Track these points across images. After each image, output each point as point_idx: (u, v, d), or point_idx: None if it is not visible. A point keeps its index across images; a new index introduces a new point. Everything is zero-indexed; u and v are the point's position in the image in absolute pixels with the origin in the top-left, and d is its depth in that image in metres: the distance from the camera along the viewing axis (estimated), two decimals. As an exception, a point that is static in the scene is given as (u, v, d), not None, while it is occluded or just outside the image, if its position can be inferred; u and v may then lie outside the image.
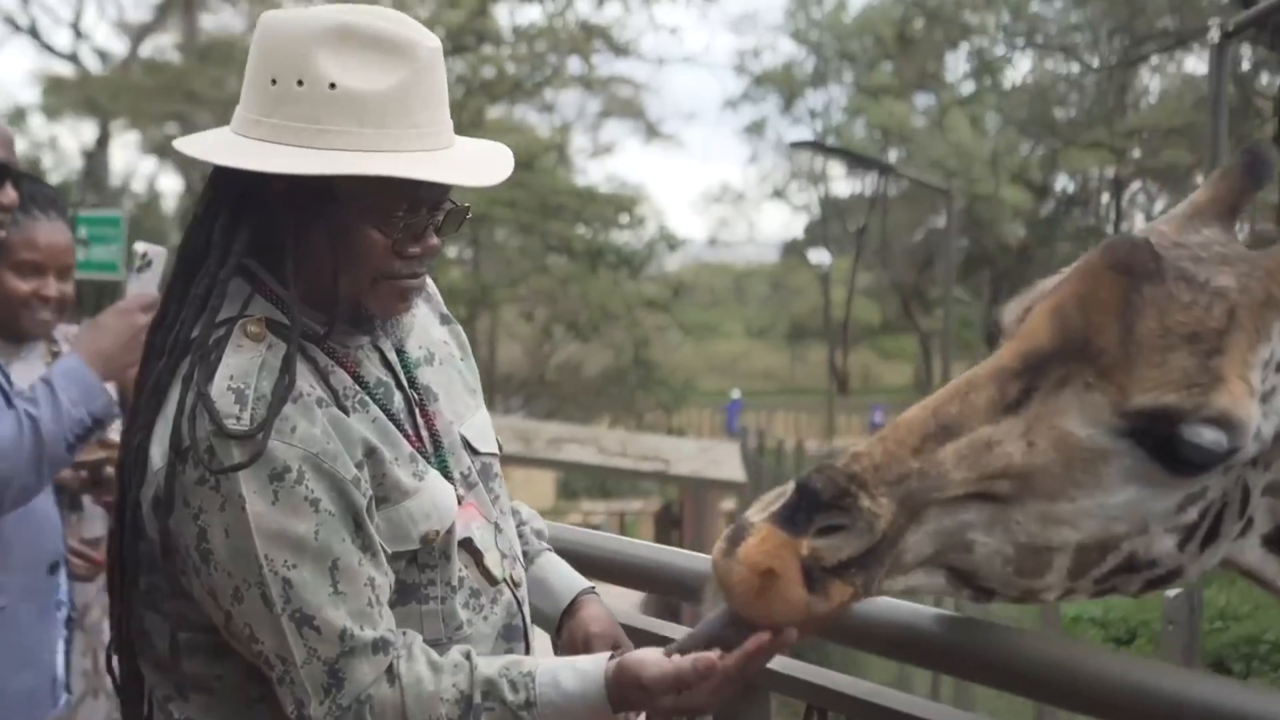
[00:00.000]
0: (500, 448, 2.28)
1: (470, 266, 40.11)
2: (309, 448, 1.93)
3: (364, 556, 1.96)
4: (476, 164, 2.08)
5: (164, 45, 34.67)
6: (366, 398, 2.05)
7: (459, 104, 36.23)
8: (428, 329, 2.25)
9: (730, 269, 63.58)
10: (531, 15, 35.09)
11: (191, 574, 1.96)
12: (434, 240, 2.06)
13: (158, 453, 1.96)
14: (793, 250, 58.09)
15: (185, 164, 35.50)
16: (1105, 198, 47.84)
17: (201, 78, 33.19)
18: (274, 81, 1.95)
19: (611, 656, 1.99)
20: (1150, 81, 43.83)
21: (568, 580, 2.39)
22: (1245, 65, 28.40)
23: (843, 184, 54.47)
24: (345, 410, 2.01)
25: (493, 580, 2.14)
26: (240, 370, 1.96)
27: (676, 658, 1.91)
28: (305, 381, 1.98)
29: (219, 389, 1.93)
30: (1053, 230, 48.90)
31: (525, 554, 2.35)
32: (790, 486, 1.71)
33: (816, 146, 34.70)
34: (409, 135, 1.96)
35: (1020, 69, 52.08)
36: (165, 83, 33.41)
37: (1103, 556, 1.75)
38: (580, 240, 38.25)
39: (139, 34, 38.33)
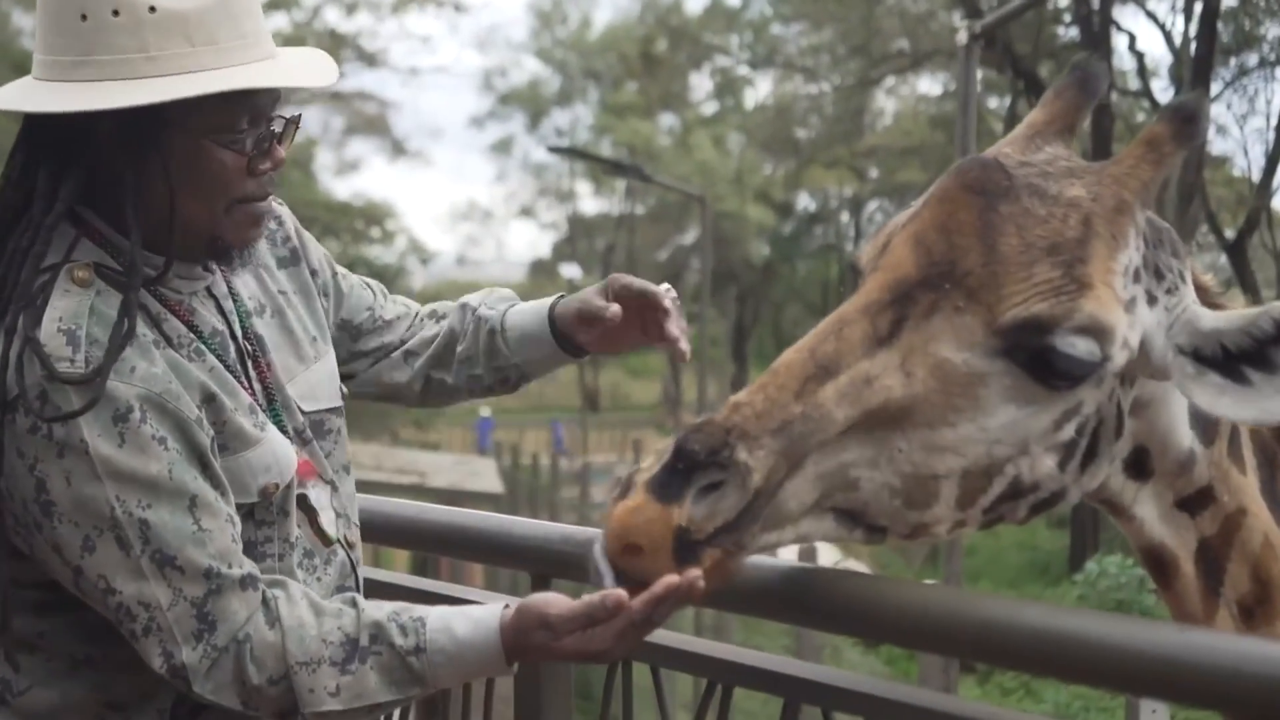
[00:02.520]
0: (344, 395, 2.21)
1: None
2: (150, 387, 1.84)
3: (218, 495, 1.88)
4: (308, 67, 2.02)
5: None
6: (202, 346, 1.96)
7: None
8: (262, 278, 2.15)
9: (478, 287, 63.12)
10: (278, 23, 34.47)
11: (31, 529, 1.84)
12: (281, 153, 1.97)
13: None
14: (540, 269, 58.19)
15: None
16: (845, 216, 49.02)
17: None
18: (84, 17, 1.83)
19: (506, 606, 1.94)
20: (887, 103, 45.13)
21: (536, 311, 2.36)
22: (977, 87, 29.40)
23: (590, 202, 54.95)
24: (185, 358, 1.93)
25: (326, 540, 2.07)
26: (69, 312, 1.85)
27: (585, 596, 1.87)
28: (139, 325, 1.88)
29: (48, 332, 1.82)
30: (795, 248, 49.92)
31: (489, 327, 2.34)
32: (671, 443, 1.65)
33: (573, 152, 34.87)
34: (238, 47, 1.88)
35: (762, 89, 53.18)
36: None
37: (989, 482, 1.74)
38: (331, 253, 37.81)
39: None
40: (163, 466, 1.83)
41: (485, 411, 41.54)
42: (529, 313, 2.34)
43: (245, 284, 2.11)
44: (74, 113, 1.84)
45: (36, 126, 1.91)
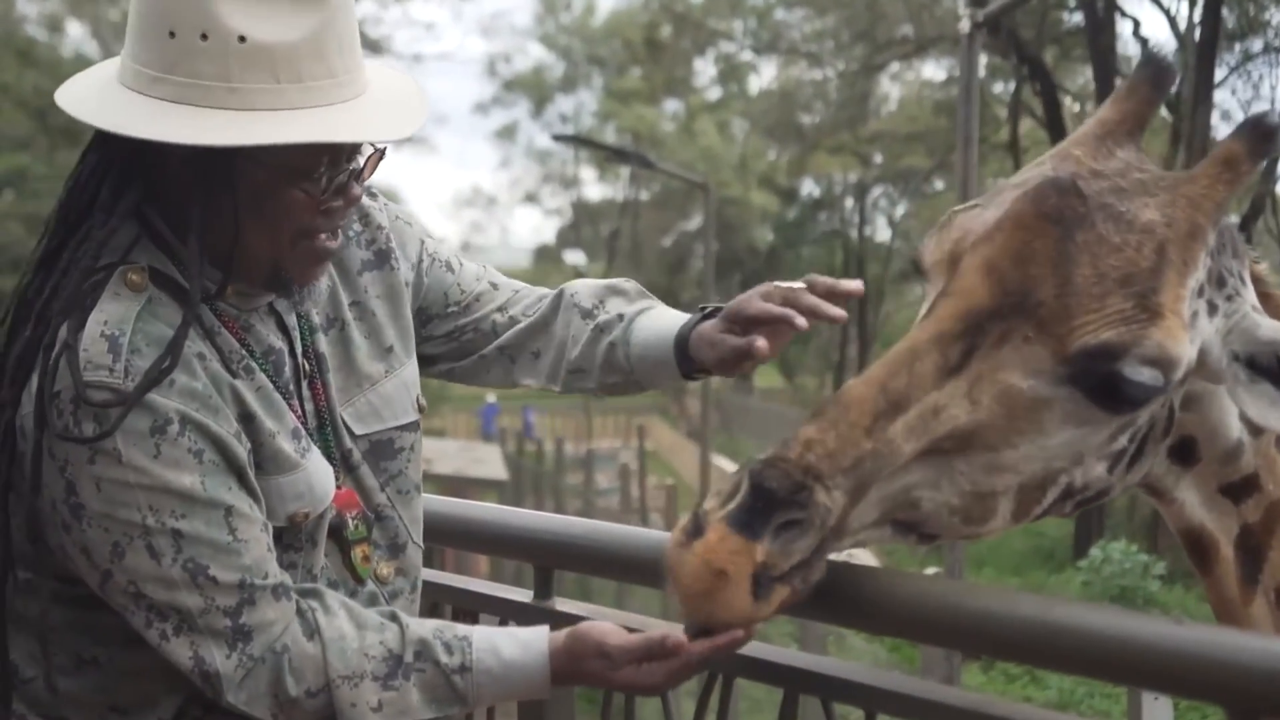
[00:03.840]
0: (421, 408, 2.16)
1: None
2: (189, 403, 1.81)
3: (253, 504, 1.86)
4: (397, 109, 1.96)
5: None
6: (252, 364, 1.93)
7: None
8: (335, 287, 2.10)
9: (482, 273, 63.44)
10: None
11: (59, 530, 1.83)
12: (356, 191, 1.95)
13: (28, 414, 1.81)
14: (545, 255, 58.24)
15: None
16: (849, 202, 48.95)
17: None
18: (172, 34, 1.78)
19: (551, 629, 1.93)
20: (891, 88, 45.05)
21: (663, 332, 2.23)
22: (981, 73, 29.36)
23: (594, 188, 54.95)
24: (232, 374, 1.90)
25: (357, 577, 2.05)
26: (116, 317, 1.82)
27: (644, 631, 1.88)
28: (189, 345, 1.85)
29: (91, 335, 1.80)
30: (799, 233, 49.86)
31: (610, 340, 2.23)
32: (744, 481, 1.65)
33: (577, 140, 34.81)
34: (326, 87, 1.83)
35: (766, 75, 53.09)
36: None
37: (1043, 493, 1.78)
38: (334, 240, 37.83)
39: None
40: (197, 479, 1.81)
41: (491, 397, 41.56)
42: (657, 331, 2.22)
43: (316, 295, 2.08)
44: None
45: (112, 134, 1.85)
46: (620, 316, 2.25)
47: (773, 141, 47.75)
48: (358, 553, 2.04)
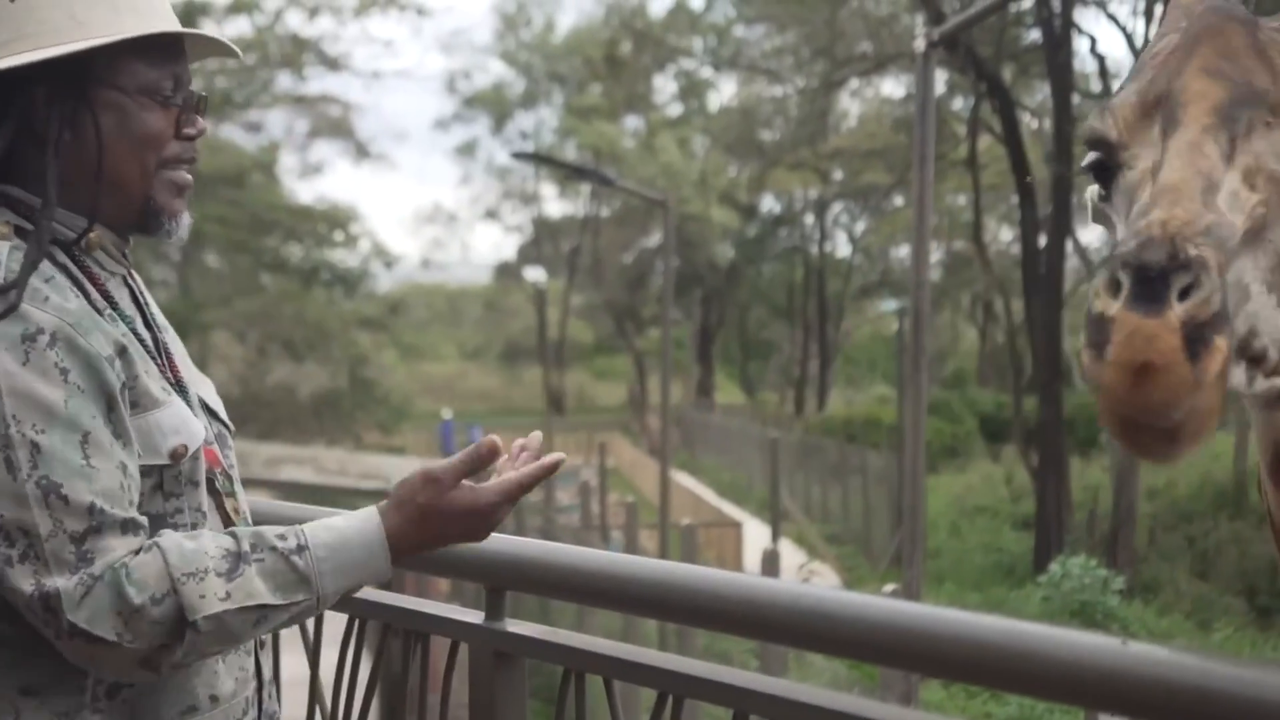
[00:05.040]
0: (231, 430, 2.19)
1: (177, 287, 39.18)
2: (63, 317, 1.85)
3: (115, 441, 1.86)
4: (224, 41, 2.15)
5: None
6: (116, 316, 1.97)
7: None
8: (153, 306, 2.15)
9: (443, 290, 63.42)
10: (240, 27, 34.38)
11: None
12: (203, 123, 2.07)
13: None
14: (506, 271, 58.21)
15: None
16: (810, 218, 49.12)
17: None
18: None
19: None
20: (851, 105, 45.26)
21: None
22: (940, 89, 29.55)
23: (555, 205, 54.98)
24: (100, 315, 1.93)
25: (229, 525, 2.05)
26: None
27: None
28: (58, 274, 1.91)
29: None
30: (760, 250, 49.99)
31: None
32: (1122, 274, 1.60)
33: (537, 158, 34.83)
34: (161, 17, 2.01)
35: (726, 91, 53.31)
36: None
37: None
38: (294, 258, 37.71)
39: None
40: (60, 395, 1.82)
41: (447, 414, 41.51)
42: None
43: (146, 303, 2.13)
44: (6, 78, 1.91)
45: None
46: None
47: (733, 158, 47.92)
48: (229, 504, 2.06)
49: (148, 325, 2.06)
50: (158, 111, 1.99)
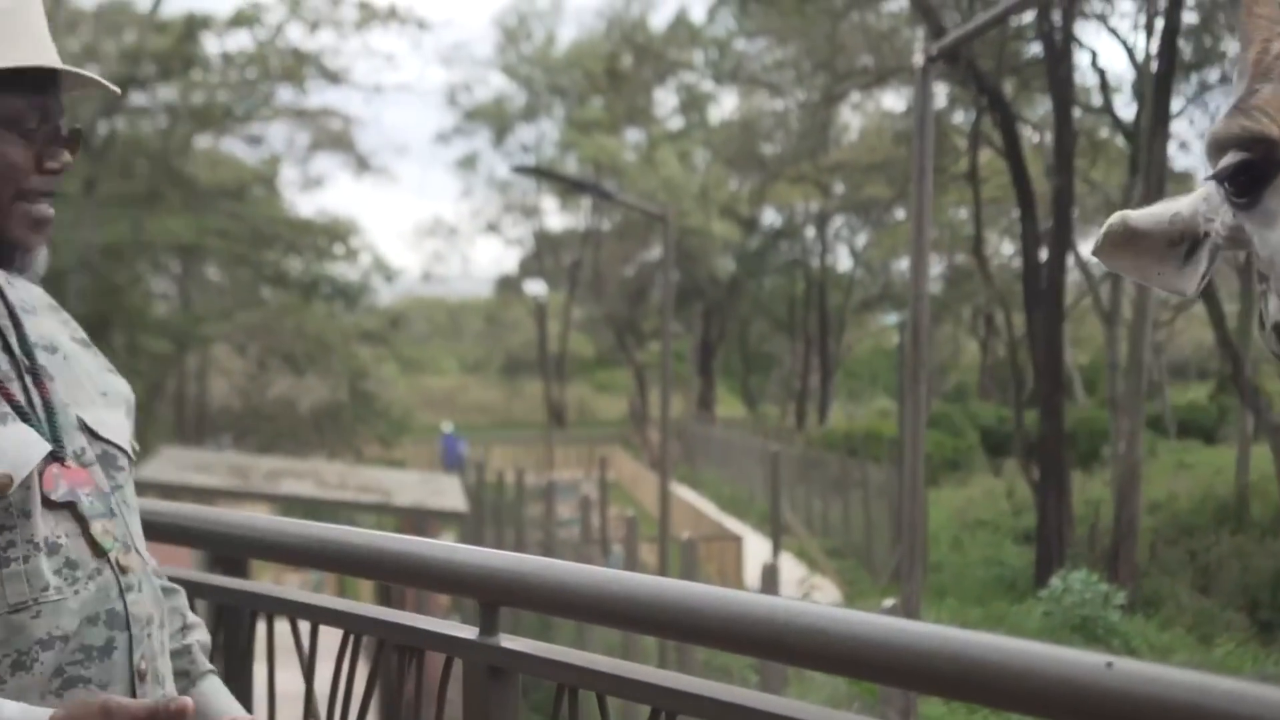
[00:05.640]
0: (134, 454, 2.13)
1: (178, 300, 39.20)
2: None
3: None
4: (95, 75, 2.09)
5: None
6: None
7: (166, 133, 35.54)
8: (57, 331, 2.13)
9: (444, 303, 63.48)
10: (241, 41, 34.38)
11: None
12: (68, 157, 2.02)
13: None
14: (506, 285, 58.25)
15: None
16: (811, 231, 49.15)
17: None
18: None
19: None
20: (851, 118, 45.32)
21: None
22: (941, 102, 29.57)
23: (556, 218, 55.02)
24: None
25: (98, 550, 1.97)
26: None
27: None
28: None
29: None
30: (761, 263, 50.02)
31: (188, 672, 2.21)
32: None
33: (537, 172, 34.86)
34: (28, 45, 1.97)
35: (726, 105, 53.38)
36: None
37: None
38: (294, 271, 37.72)
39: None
40: None
41: (448, 428, 41.50)
42: None
43: (36, 325, 2.10)
44: None
45: None
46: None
47: (734, 171, 47.97)
48: (98, 526, 1.97)
49: (7, 349, 2.02)
50: (18, 144, 1.96)
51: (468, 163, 54.67)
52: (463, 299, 63.58)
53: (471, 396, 59.39)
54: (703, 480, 36.72)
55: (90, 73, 2.07)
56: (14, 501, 1.89)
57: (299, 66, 35.15)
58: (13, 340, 2.02)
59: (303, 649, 2.77)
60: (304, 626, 2.72)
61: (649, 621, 2.19)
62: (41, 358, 2.04)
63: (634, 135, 51.77)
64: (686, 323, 51.38)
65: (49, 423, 1.98)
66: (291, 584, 17.52)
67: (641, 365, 51.22)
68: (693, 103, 51.60)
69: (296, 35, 34.92)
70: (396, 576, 2.58)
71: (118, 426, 2.10)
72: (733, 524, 27.87)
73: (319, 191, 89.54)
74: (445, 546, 2.52)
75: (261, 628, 2.83)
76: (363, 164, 42.73)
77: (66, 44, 33.29)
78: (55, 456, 1.96)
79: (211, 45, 33.95)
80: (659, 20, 52.91)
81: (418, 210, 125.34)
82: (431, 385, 57.60)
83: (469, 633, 2.42)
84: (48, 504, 1.92)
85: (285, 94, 36.72)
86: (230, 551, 3.05)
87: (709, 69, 49.38)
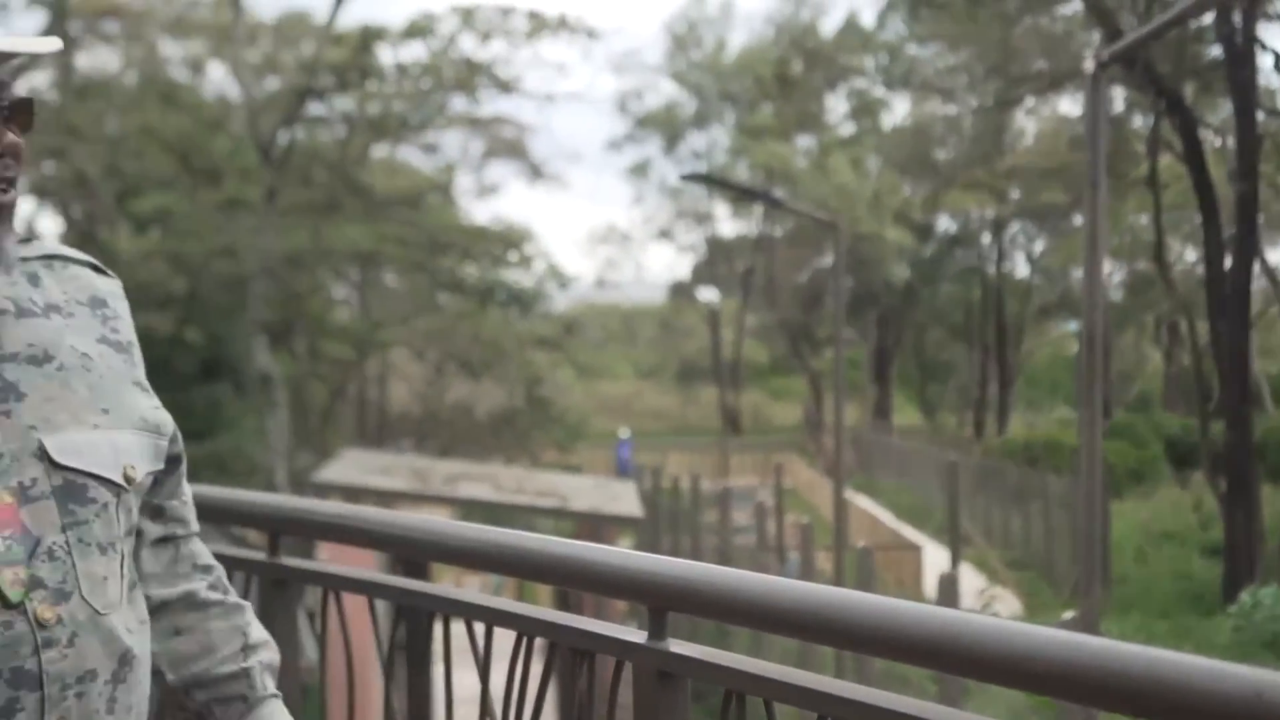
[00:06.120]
0: (129, 481, 1.93)
1: (358, 306, 39.89)
2: None
3: None
4: (30, 41, 1.91)
5: (40, 84, 34.31)
6: None
7: (343, 142, 36.20)
8: (61, 333, 1.93)
9: (618, 309, 63.73)
10: (415, 52, 34.86)
11: None
12: (10, 137, 1.83)
13: None
14: (680, 291, 58.35)
15: (67, 202, 35.07)
16: (986, 238, 48.56)
17: (80, 114, 32.79)
18: None
19: None
20: (1026, 123, 44.67)
21: None
22: (1119, 107, 29.02)
23: (728, 224, 54.90)
24: None
25: (5, 602, 1.77)
26: None
27: None
28: None
29: None
30: (936, 270, 49.56)
31: (245, 697, 2.11)
32: None
33: (706, 179, 34.93)
34: None
35: (899, 110, 52.95)
36: (42, 121, 32.80)
37: None
38: (470, 278, 38.17)
39: (13, 74, 37.67)
40: None
41: (624, 433, 41.71)
42: None
43: (32, 330, 1.90)
44: None
45: None
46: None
47: (906, 177, 47.56)
48: (6, 574, 1.76)
49: None
50: None
51: (639, 169, 54.92)
52: (636, 305, 63.76)
53: (647, 402, 59.57)
54: (880, 489, 36.45)
55: (20, 42, 1.88)
56: None
57: (471, 76, 35.55)
58: None
59: (478, 650, 2.81)
60: (479, 629, 2.76)
61: (814, 629, 2.19)
62: (12, 372, 1.85)
63: (805, 141, 51.58)
64: (861, 330, 51.03)
65: None
66: (471, 586, 17.75)
67: (816, 372, 50.98)
68: (864, 108, 51.26)
69: (469, 46, 35.32)
70: (568, 580, 2.61)
71: (102, 451, 1.90)
72: (910, 533, 27.66)
73: (493, 199, 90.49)
74: (614, 552, 2.55)
75: (441, 629, 2.89)
76: (536, 171, 43.09)
77: (246, 55, 34.15)
78: None
79: (386, 56, 34.49)
80: (829, 25, 52.56)
81: (591, 217, 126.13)
82: (607, 391, 57.89)
83: (638, 637, 2.45)
84: None
85: (458, 103, 37.19)
86: (412, 555, 3.11)
87: (880, 74, 49.02)
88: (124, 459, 1.92)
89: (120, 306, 2.04)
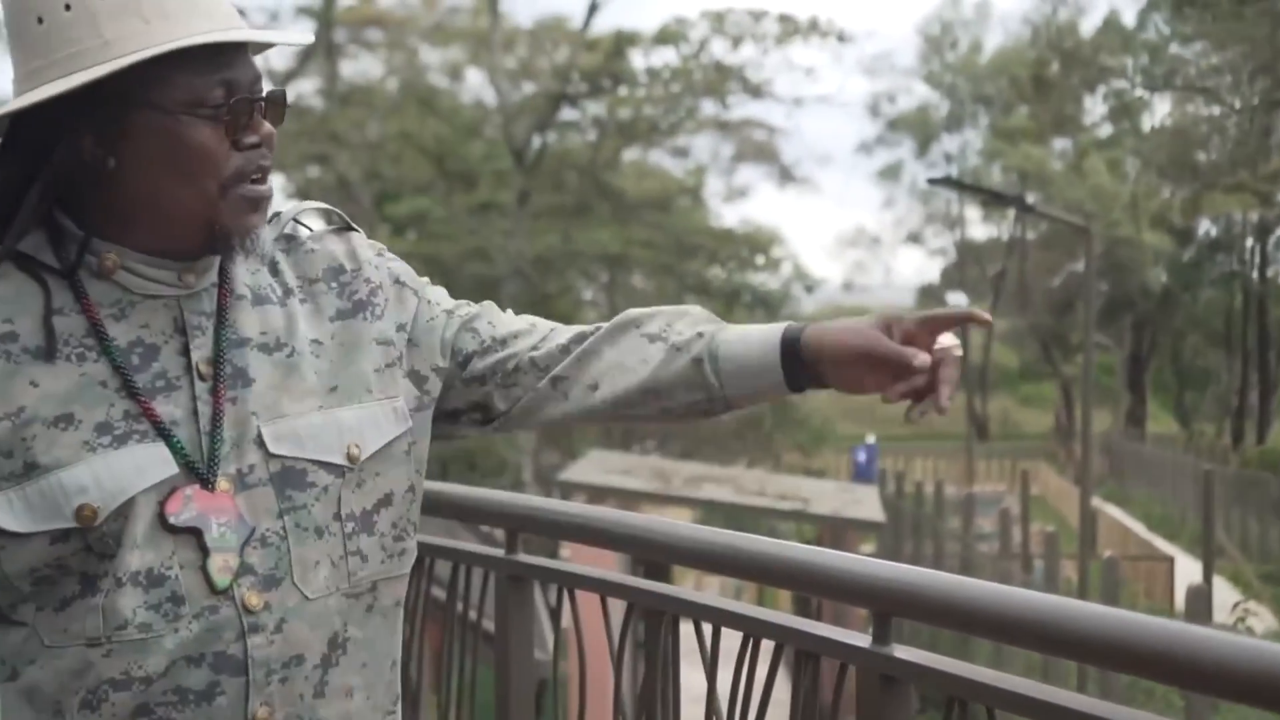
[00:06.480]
0: (351, 460, 1.93)
1: (606, 308, 40.38)
2: None
3: None
4: (274, 33, 1.95)
5: (306, 91, 35.43)
6: (98, 352, 1.82)
7: (594, 146, 36.69)
8: (294, 319, 1.96)
9: (866, 312, 63.23)
10: (666, 57, 35.15)
11: None
12: (268, 127, 1.85)
13: None
14: (929, 294, 57.75)
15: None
16: (1249, 242, 46.99)
17: (343, 121, 33.80)
18: (40, 20, 1.78)
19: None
20: (1295, 124, 43.14)
21: (762, 341, 2.03)
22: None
23: (979, 228, 54.23)
24: (50, 355, 1.80)
25: (213, 588, 1.80)
26: None
27: None
28: None
29: None
30: (1195, 275, 48.14)
31: (693, 355, 2.04)
32: None
33: (953, 183, 34.46)
34: (198, 18, 1.79)
35: (1159, 111, 51.56)
36: (307, 127, 34.03)
37: None
38: (717, 281, 38.34)
39: (281, 81, 39.13)
40: None
41: (870, 438, 41.40)
42: (752, 343, 2.04)
43: (266, 317, 1.94)
44: (42, 120, 1.78)
45: (7, 145, 1.84)
46: (699, 334, 2.06)
47: (1166, 180, 46.28)
48: (218, 560, 1.80)
49: (185, 351, 1.87)
50: (206, 127, 1.79)
51: (890, 172, 54.58)
52: (885, 309, 63.30)
53: (894, 407, 58.31)
54: (1131, 498, 35.55)
55: (269, 34, 1.92)
56: (108, 532, 1.77)
57: (722, 81, 35.74)
58: (200, 344, 1.88)
59: (705, 650, 2.87)
60: (707, 629, 2.81)
61: (1037, 637, 2.19)
62: (242, 359, 1.89)
63: (1061, 144, 50.59)
64: (1116, 336, 49.84)
65: (212, 438, 1.84)
66: (711, 589, 17.83)
67: (1068, 378, 49.94)
68: (1123, 109, 50.01)
69: (719, 50, 35.51)
70: (794, 584, 2.64)
71: (324, 435, 1.92)
72: (1162, 544, 26.92)
73: (743, 202, 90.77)
74: (839, 556, 2.57)
75: (669, 629, 2.94)
76: (786, 174, 43.13)
77: (503, 61, 34.83)
78: (199, 476, 1.82)
79: (637, 61, 34.86)
80: (1088, 25, 51.47)
81: (838, 220, 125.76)
82: (854, 395, 57.50)
83: (862, 641, 2.47)
84: (169, 529, 1.79)
85: (708, 107, 37.40)
86: (646, 555, 3.17)
87: (1140, 74, 47.79)
88: (348, 438, 1.93)
89: (362, 258, 2.05)
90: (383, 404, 1.99)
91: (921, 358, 1.94)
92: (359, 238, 2.08)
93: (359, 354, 1.99)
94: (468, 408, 2.12)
